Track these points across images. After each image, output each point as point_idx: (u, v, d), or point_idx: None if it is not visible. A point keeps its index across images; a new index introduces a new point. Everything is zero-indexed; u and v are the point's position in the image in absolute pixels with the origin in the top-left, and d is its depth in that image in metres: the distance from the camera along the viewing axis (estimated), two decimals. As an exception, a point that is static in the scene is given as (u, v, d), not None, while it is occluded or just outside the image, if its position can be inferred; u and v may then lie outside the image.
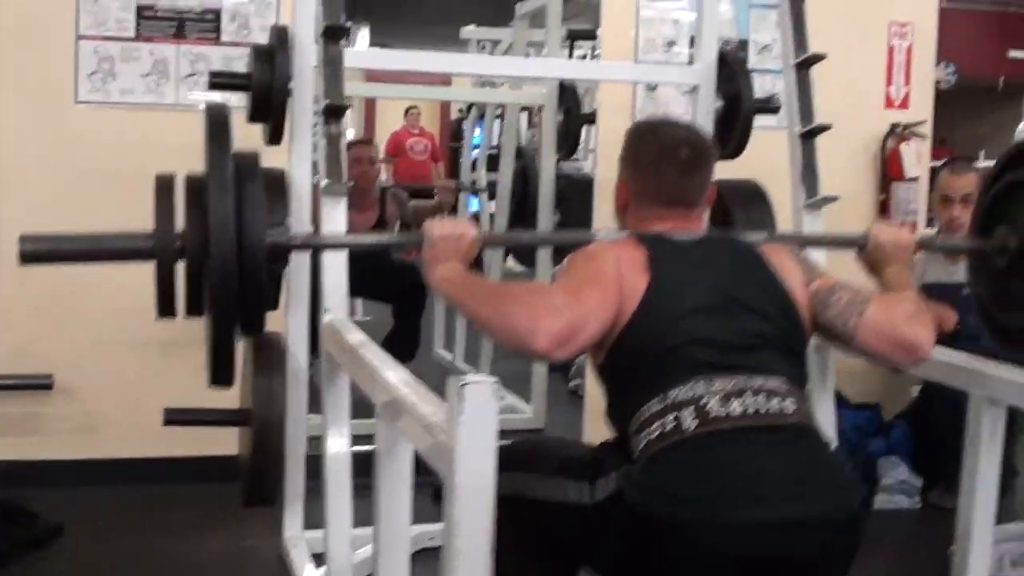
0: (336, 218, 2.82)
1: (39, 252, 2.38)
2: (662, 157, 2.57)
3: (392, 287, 5.80)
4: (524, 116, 7.87)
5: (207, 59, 4.32)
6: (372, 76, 6.76)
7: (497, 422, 1.71)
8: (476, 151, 7.59)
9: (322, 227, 2.83)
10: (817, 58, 3.28)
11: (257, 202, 2.34)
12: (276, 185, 3.33)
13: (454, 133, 12.35)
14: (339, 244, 2.86)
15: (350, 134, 10.26)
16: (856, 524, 2.27)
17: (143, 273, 4.08)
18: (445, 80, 10.40)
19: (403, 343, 6.03)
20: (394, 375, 2.20)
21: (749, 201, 3.83)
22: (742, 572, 2.17)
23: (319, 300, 2.98)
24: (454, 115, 13.26)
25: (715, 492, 2.15)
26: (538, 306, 2.24)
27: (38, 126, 4.28)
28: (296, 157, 3.42)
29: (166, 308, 2.41)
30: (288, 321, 3.48)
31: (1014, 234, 2.82)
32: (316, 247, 2.90)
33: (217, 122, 2.37)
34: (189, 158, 4.21)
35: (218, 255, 2.24)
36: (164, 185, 2.40)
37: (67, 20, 4.26)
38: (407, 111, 10.90)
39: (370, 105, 13.95)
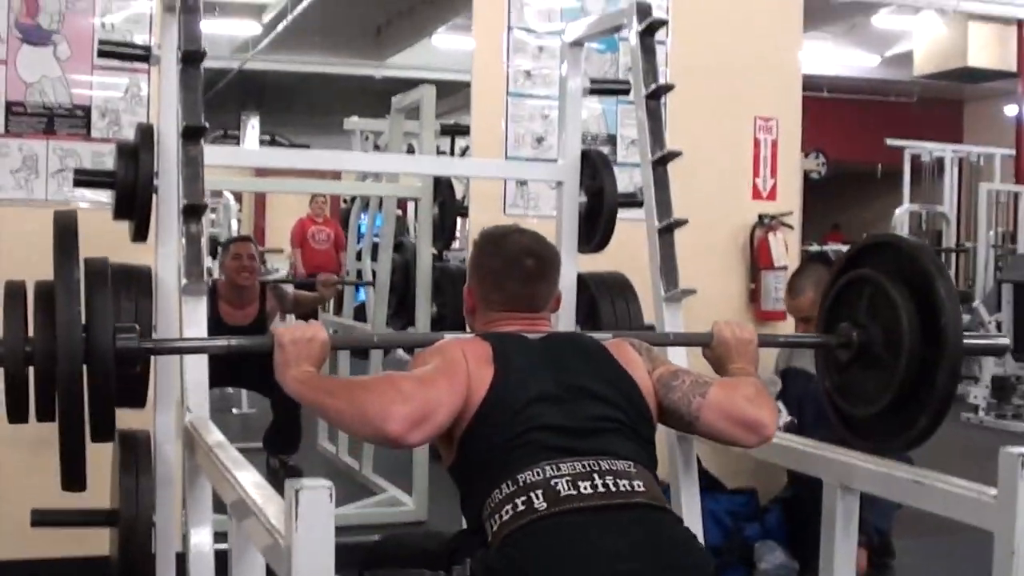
0: (196, 319, 2.82)
1: None
2: (506, 268, 2.67)
3: (268, 378, 5.75)
4: (411, 207, 7.93)
5: (77, 155, 4.32)
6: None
7: (332, 527, 1.72)
8: (361, 242, 7.63)
9: (183, 327, 2.82)
10: (673, 155, 3.34)
11: (104, 308, 2.36)
12: (143, 283, 3.33)
13: (342, 223, 12.39)
14: (187, 349, 2.79)
15: (235, 226, 10.23)
16: None
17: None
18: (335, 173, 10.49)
19: (284, 436, 6.02)
20: (245, 476, 2.20)
21: (616, 292, 3.89)
22: None
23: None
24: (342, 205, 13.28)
25: (567, 572, 2.18)
26: (388, 393, 2.30)
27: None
28: (163, 255, 3.41)
29: (18, 414, 2.41)
30: (157, 418, 3.44)
31: (855, 329, 2.91)
32: (163, 352, 2.86)
33: (64, 228, 2.41)
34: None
35: (65, 362, 2.25)
36: (14, 291, 2.42)
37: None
38: (312, 198, 10.92)
39: (259, 195, 13.93)
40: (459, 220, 6.22)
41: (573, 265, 3.87)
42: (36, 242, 4.25)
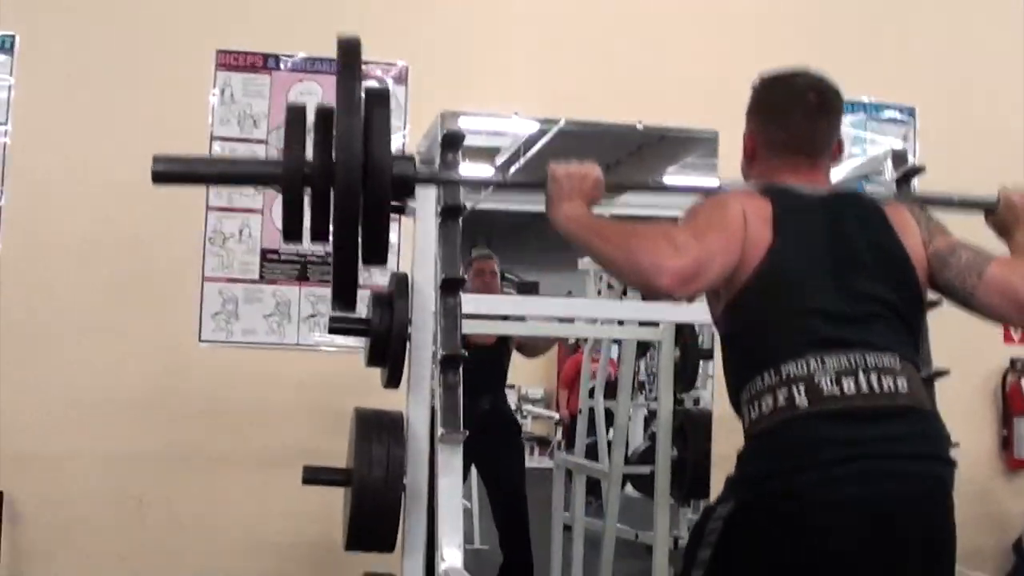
0: (453, 468, 2.84)
1: (171, 172, 2.42)
2: (790, 102, 2.57)
3: (501, 464, 5.83)
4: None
5: (328, 301, 4.43)
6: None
7: None
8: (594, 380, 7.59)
9: (439, 477, 2.83)
10: (932, 304, 3.26)
11: (384, 130, 2.33)
12: (396, 430, 3.37)
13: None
14: (460, 180, 2.92)
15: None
16: (946, 500, 2.30)
17: (261, 511, 4.14)
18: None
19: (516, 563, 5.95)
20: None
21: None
22: (848, 545, 2.19)
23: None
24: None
25: (816, 463, 2.21)
26: (663, 245, 2.27)
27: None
28: (414, 402, 3.46)
29: (293, 232, 2.40)
30: (404, 563, 3.47)
31: None
32: (440, 181, 2.93)
33: (348, 50, 2.34)
34: (311, 397, 4.37)
35: (343, 179, 2.24)
36: (295, 114, 2.41)
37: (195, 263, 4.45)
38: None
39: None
40: (700, 363, 6.16)
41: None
42: (286, 384, 4.43)
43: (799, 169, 2.54)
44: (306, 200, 2.34)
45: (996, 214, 2.71)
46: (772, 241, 2.36)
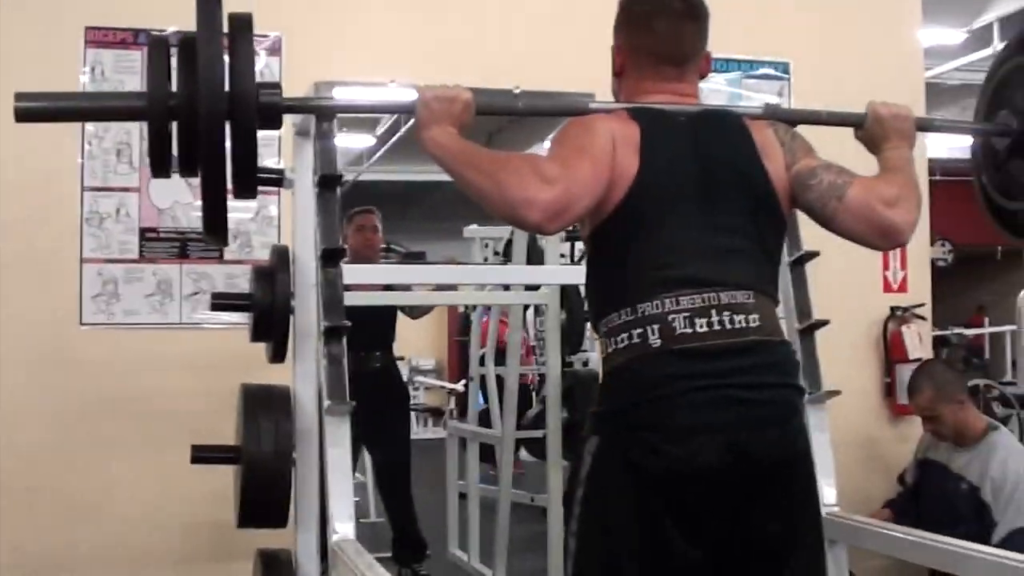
0: (340, 439, 2.81)
1: (34, 110, 2.39)
2: (656, 8, 2.59)
3: (383, 433, 5.81)
4: (531, 309, 7.91)
5: (210, 278, 4.39)
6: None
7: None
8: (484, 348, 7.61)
9: (327, 448, 2.81)
10: (811, 255, 3.30)
11: (249, 60, 2.33)
12: (283, 403, 3.35)
13: (461, 327, 12.44)
14: (335, 107, 2.89)
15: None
16: (794, 419, 2.44)
17: (152, 493, 4.11)
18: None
19: (409, 545, 5.96)
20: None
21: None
22: (707, 466, 2.30)
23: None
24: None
25: (671, 394, 2.31)
26: (531, 177, 2.28)
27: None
28: (300, 375, 3.44)
29: (160, 168, 2.42)
30: (299, 537, 3.46)
31: (1015, 117, 2.86)
32: (308, 110, 2.90)
33: None
34: (198, 376, 4.31)
35: (207, 108, 2.23)
36: (157, 44, 2.39)
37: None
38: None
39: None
40: (587, 326, 6.19)
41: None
42: (171, 364, 4.37)
43: (667, 78, 2.59)
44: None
45: (864, 129, 2.71)
46: (639, 169, 2.40)
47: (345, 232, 5.86)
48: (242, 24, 2.35)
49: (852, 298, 4.87)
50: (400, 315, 5.94)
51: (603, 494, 2.41)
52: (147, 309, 4.38)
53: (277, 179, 3.50)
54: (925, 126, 2.88)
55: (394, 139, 10.47)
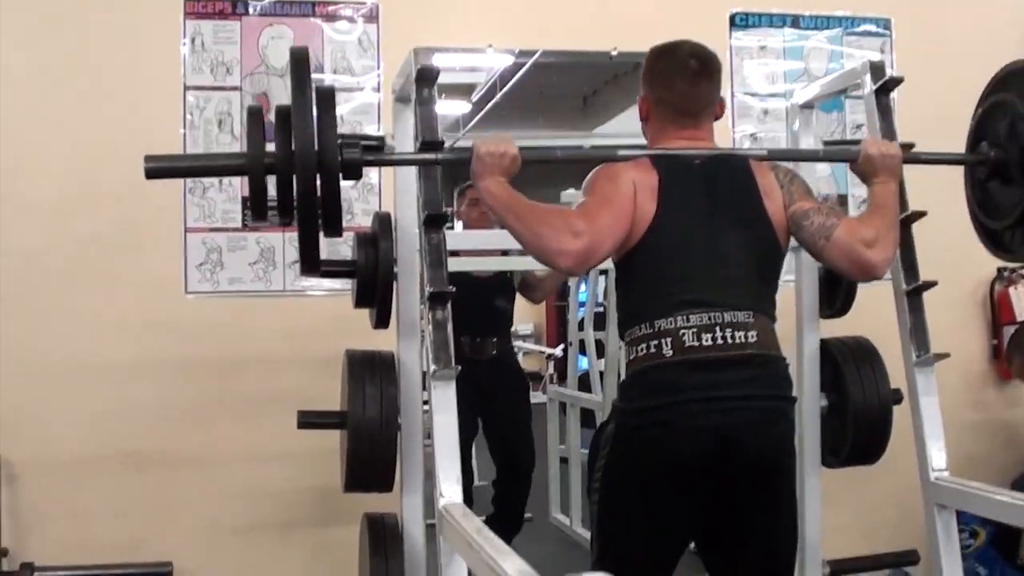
0: (446, 404, 2.82)
1: (159, 169, 2.82)
2: (674, 69, 3.05)
3: (505, 410, 5.83)
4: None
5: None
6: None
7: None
8: (582, 309, 7.58)
9: (433, 413, 2.82)
10: (918, 215, 3.26)
11: (331, 123, 2.77)
12: (388, 369, 3.37)
13: (559, 292, 12.43)
14: (403, 161, 3.32)
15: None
16: (781, 422, 2.93)
17: (257, 459, 4.17)
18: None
19: (508, 525, 5.90)
20: (511, 564, 2.17)
21: (860, 358, 3.79)
22: (701, 455, 2.81)
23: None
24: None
25: (679, 401, 2.81)
26: (563, 231, 2.77)
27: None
28: (404, 341, 3.47)
29: (259, 214, 2.83)
30: (404, 500, 3.51)
31: (993, 148, 3.25)
32: (384, 163, 3.23)
33: (298, 60, 2.75)
34: (301, 342, 4.35)
35: (302, 168, 2.67)
36: (254, 113, 2.88)
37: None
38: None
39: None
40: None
41: (815, 331, 3.78)
42: (276, 331, 4.41)
43: (685, 126, 3.05)
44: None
45: (857, 164, 3.08)
46: (656, 214, 2.88)
47: (459, 208, 5.88)
48: (326, 95, 2.79)
49: (957, 258, 4.78)
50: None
51: (618, 471, 2.96)
52: (251, 277, 4.42)
53: (379, 146, 3.50)
54: (912, 159, 3.19)
55: (490, 105, 10.43)
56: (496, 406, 5.73)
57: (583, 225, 2.79)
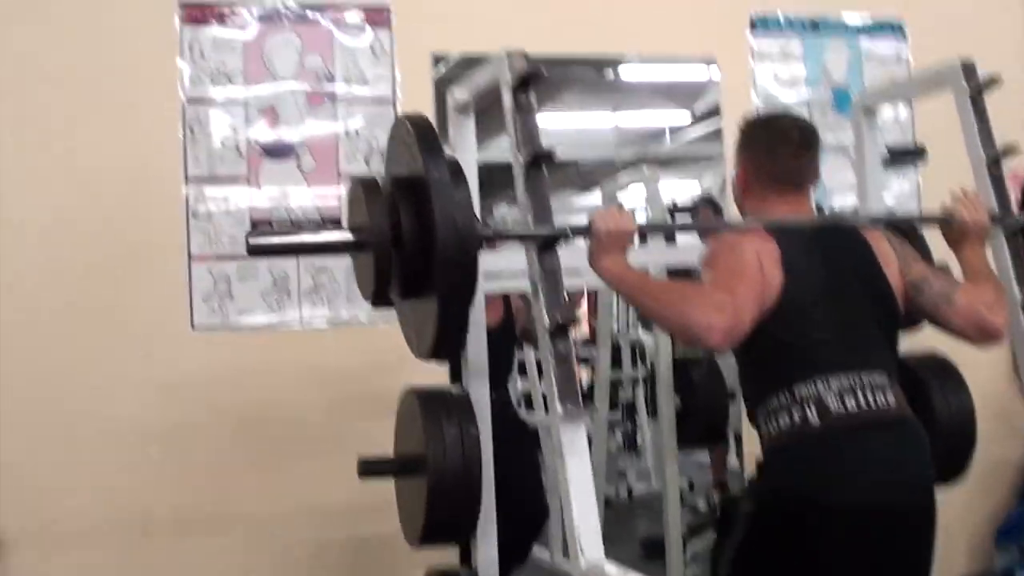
0: (579, 447, 2.56)
1: (262, 247, 2.78)
2: (777, 140, 3.00)
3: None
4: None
5: (329, 271, 4.07)
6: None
7: None
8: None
9: (565, 458, 2.53)
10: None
11: (468, 199, 2.64)
12: (463, 408, 3.05)
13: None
14: (529, 236, 2.79)
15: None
16: (933, 502, 2.82)
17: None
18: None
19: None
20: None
21: (942, 375, 3.59)
22: (856, 542, 2.67)
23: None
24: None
25: (835, 479, 2.69)
26: (707, 306, 2.62)
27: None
28: (475, 380, 3.33)
29: (381, 296, 2.75)
30: (479, 552, 3.26)
31: None
32: (501, 237, 3.05)
33: (424, 129, 2.65)
34: (320, 381, 3.98)
35: (443, 242, 2.51)
36: (370, 187, 2.74)
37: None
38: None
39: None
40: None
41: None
42: (295, 367, 4.03)
43: (787, 197, 2.99)
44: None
45: (951, 229, 3.11)
46: (783, 280, 2.77)
47: None
48: (458, 168, 2.66)
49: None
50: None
51: (755, 554, 2.80)
52: (263, 308, 4.04)
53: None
54: (1006, 225, 3.24)
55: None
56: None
57: (726, 298, 2.66)
